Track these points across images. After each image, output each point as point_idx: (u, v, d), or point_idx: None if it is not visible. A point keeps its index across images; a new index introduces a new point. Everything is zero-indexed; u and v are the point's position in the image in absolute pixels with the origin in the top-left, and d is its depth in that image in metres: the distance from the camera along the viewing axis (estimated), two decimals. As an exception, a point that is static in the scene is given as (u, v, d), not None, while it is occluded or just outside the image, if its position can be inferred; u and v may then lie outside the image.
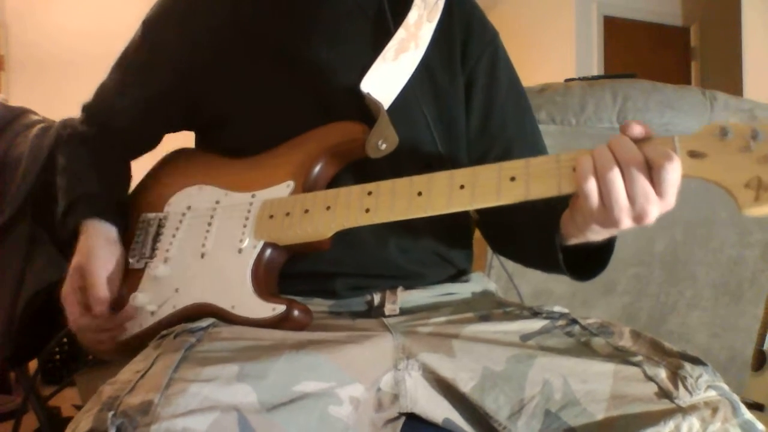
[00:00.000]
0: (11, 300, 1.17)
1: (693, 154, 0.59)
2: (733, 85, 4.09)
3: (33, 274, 1.19)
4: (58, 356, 2.05)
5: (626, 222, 0.60)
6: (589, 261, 0.72)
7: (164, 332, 0.68)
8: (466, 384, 0.64)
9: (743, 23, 4.15)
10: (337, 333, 0.70)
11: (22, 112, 1.32)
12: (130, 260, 0.82)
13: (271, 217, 0.74)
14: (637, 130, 0.60)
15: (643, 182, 0.58)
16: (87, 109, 0.91)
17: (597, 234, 0.65)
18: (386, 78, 0.80)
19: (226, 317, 0.71)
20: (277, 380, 0.58)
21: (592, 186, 0.59)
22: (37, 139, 1.24)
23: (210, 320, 0.69)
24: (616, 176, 0.58)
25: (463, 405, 0.65)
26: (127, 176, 0.91)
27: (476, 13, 0.91)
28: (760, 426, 0.58)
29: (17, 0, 4.35)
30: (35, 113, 1.34)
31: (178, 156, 0.91)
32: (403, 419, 0.65)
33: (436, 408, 0.65)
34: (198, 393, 0.54)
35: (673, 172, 0.57)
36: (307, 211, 0.72)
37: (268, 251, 0.74)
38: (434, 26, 0.84)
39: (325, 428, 0.58)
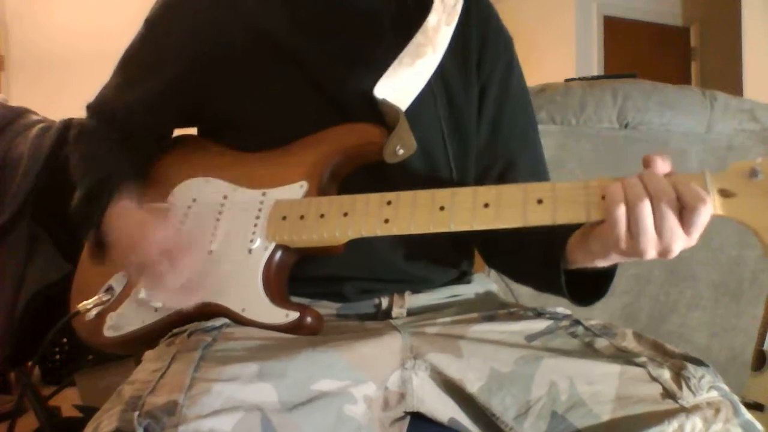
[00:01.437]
0: (11, 300, 1.17)
1: (723, 193, 0.59)
2: (733, 85, 4.09)
3: (33, 274, 1.19)
4: (58, 356, 2.05)
5: (651, 253, 0.59)
6: (586, 287, 0.71)
7: (176, 330, 0.68)
8: (473, 384, 0.64)
9: (743, 23, 4.15)
10: (349, 333, 0.70)
11: (22, 112, 1.32)
12: None
13: (284, 218, 0.72)
14: (660, 165, 0.60)
15: (672, 219, 0.57)
16: (91, 108, 0.90)
17: (607, 261, 0.65)
18: (402, 83, 0.78)
19: (235, 319, 0.70)
20: (296, 379, 0.58)
21: (621, 213, 0.59)
22: (37, 139, 1.24)
23: (223, 320, 0.68)
24: (646, 207, 0.58)
25: (469, 405, 0.65)
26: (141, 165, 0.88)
27: (493, 17, 0.89)
28: (759, 426, 0.59)
29: (17, 0, 4.35)
30: (35, 113, 1.34)
31: (180, 143, 0.88)
32: (408, 418, 0.65)
33: (443, 408, 0.65)
34: (221, 393, 0.54)
35: (705, 215, 0.57)
36: (322, 215, 0.71)
37: (279, 253, 0.72)
38: (452, 30, 0.82)
39: (341, 428, 0.58)
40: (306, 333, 0.69)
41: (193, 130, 0.91)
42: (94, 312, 0.78)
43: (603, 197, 0.61)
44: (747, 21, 4.14)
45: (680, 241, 0.58)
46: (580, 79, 2.30)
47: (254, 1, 0.82)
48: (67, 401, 1.46)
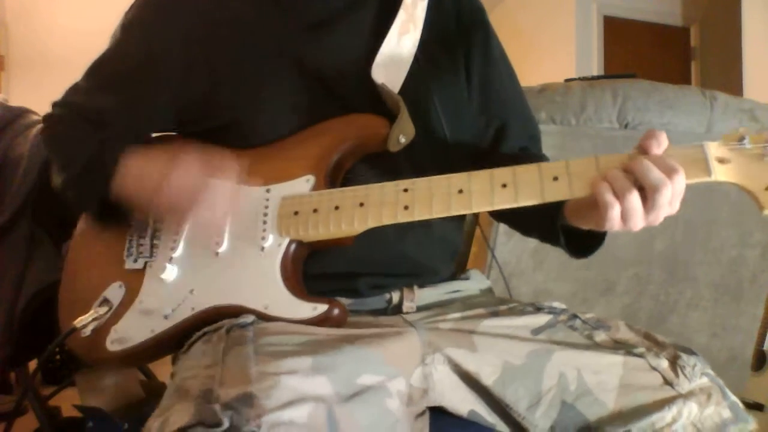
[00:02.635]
0: (11, 300, 1.17)
1: (720, 160, 0.65)
2: (733, 85, 4.09)
3: (33, 275, 1.19)
4: (58, 356, 2.06)
5: (639, 227, 0.65)
6: (586, 239, 0.75)
7: (208, 329, 0.68)
8: (488, 377, 0.68)
9: (743, 23, 4.15)
10: (371, 329, 0.71)
11: (22, 112, 1.32)
12: (126, 260, 0.78)
13: (296, 213, 0.73)
14: (655, 149, 0.64)
15: (660, 200, 0.63)
16: (60, 105, 0.85)
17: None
18: (393, 63, 0.79)
19: (258, 316, 0.69)
20: (345, 372, 0.59)
21: (616, 212, 0.63)
22: (37, 139, 1.24)
23: (251, 317, 0.68)
24: (636, 198, 0.62)
25: (485, 397, 0.68)
26: None
27: None
28: (741, 405, 0.65)
29: (17, 0, 4.35)
30: (35, 113, 1.34)
31: (163, 143, 0.84)
32: (427, 412, 0.67)
33: (462, 401, 0.68)
34: (287, 385, 0.55)
35: (666, 195, 0.62)
36: (337, 207, 0.71)
37: (293, 248, 0.73)
38: (426, 4, 0.84)
39: (384, 421, 0.59)
40: (332, 325, 0.70)
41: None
42: (90, 327, 0.75)
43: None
44: (747, 21, 4.13)
45: (664, 213, 0.64)
46: (580, 79, 2.29)
47: (245, 1, 0.81)
48: (67, 401, 1.45)
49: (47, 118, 0.86)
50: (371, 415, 0.58)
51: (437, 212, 0.69)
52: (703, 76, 5.30)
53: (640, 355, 0.67)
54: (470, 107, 0.87)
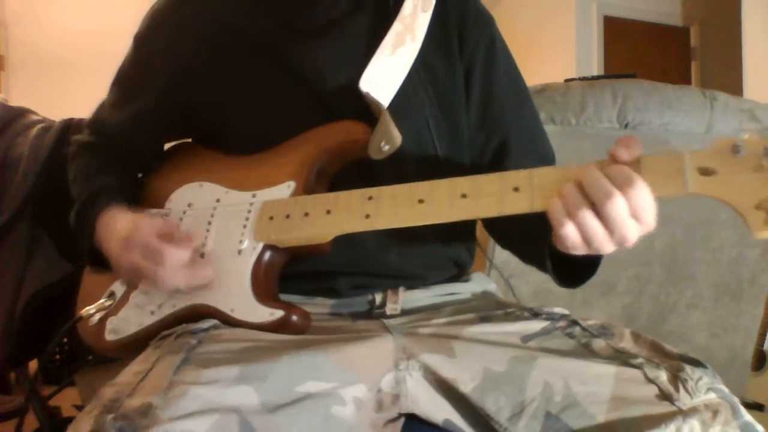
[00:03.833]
0: (11, 300, 1.17)
1: (703, 171, 0.57)
2: (733, 85, 4.09)
3: (33, 274, 1.19)
4: (58, 356, 2.06)
5: (609, 249, 0.60)
6: (578, 267, 0.70)
7: (165, 333, 0.69)
8: (466, 385, 0.64)
9: (743, 23, 4.15)
10: (338, 334, 0.70)
11: (22, 112, 1.32)
12: None
13: (271, 218, 0.73)
14: (625, 156, 0.59)
15: (618, 214, 0.58)
16: (89, 125, 0.92)
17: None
18: (385, 74, 0.78)
19: (226, 320, 0.70)
20: (278, 381, 0.58)
21: (571, 229, 0.59)
22: (37, 139, 1.24)
23: (212, 321, 0.69)
24: (589, 216, 0.58)
25: (463, 406, 0.64)
26: (135, 182, 0.90)
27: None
28: (759, 428, 0.58)
29: (17, 0, 4.35)
30: (35, 113, 1.34)
31: (177, 151, 0.91)
32: (402, 419, 0.64)
33: (437, 409, 0.64)
34: (198, 395, 0.54)
35: (621, 207, 0.57)
36: (306, 214, 0.71)
37: (268, 253, 0.73)
38: (429, 16, 0.83)
39: (328, 429, 0.58)
40: (292, 332, 0.69)
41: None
42: (96, 317, 0.80)
43: (562, 195, 0.59)
44: (747, 21, 4.13)
45: (633, 231, 0.58)
46: (580, 79, 2.30)
47: (238, 6, 0.83)
48: (67, 401, 1.45)
49: (76, 142, 0.91)
50: (311, 423, 0.57)
51: (397, 223, 0.66)
52: (703, 76, 5.31)
53: (637, 366, 0.62)
54: (468, 123, 0.85)
